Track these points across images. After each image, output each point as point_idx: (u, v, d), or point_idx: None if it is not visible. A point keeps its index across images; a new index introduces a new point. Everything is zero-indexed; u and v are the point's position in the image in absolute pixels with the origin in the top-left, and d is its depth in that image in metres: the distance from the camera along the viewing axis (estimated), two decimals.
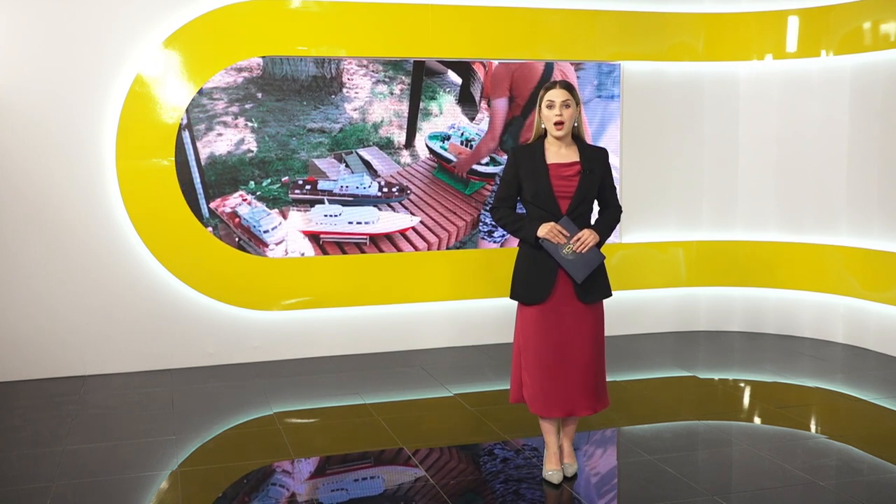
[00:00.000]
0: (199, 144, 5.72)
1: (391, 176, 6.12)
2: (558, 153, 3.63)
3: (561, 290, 3.62)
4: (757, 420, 4.83)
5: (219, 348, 5.91)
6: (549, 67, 6.28)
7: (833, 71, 6.25)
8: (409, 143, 6.12)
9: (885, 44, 5.88)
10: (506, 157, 6.18)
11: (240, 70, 5.74)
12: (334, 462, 4.15)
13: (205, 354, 5.89)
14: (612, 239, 6.48)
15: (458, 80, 6.18)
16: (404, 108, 6.10)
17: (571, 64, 6.36)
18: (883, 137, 5.98)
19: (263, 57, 5.76)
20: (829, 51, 6.23)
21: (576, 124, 3.65)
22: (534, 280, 3.64)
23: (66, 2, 5.42)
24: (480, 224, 6.29)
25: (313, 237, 5.98)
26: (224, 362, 5.92)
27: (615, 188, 3.79)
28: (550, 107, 3.58)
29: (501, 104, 6.22)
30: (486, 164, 6.26)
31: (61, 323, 5.62)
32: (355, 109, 6.00)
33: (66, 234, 5.57)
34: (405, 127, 6.11)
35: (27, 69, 5.40)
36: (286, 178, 5.89)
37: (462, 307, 6.35)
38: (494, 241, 6.32)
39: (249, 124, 5.81)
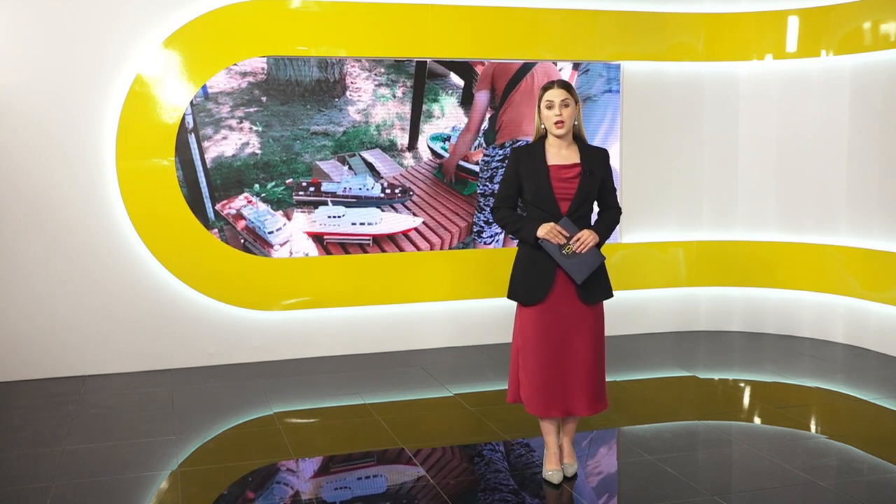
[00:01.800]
0: (204, 147, 5.72)
1: (394, 177, 6.12)
2: (559, 154, 3.63)
3: (560, 291, 3.62)
4: (757, 420, 4.83)
5: (219, 348, 5.91)
6: (526, 64, 6.27)
7: (833, 71, 6.25)
8: (412, 145, 6.13)
9: (885, 44, 5.88)
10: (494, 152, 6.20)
11: (244, 74, 5.74)
12: (334, 462, 4.15)
13: (205, 354, 5.89)
14: (611, 239, 6.47)
15: (460, 82, 6.18)
16: (407, 110, 6.10)
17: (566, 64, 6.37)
18: (883, 137, 5.98)
19: (266, 59, 5.76)
20: (829, 51, 6.23)
21: (576, 123, 3.65)
22: (532, 280, 3.64)
23: (66, 2, 5.42)
24: (474, 225, 6.31)
25: (317, 238, 5.99)
26: (224, 362, 5.93)
27: (615, 189, 3.78)
28: (550, 107, 3.58)
29: (483, 97, 6.23)
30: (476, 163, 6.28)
31: (61, 323, 5.62)
32: (358, 112, 6.01)
33: (66, 234, 5.57)
34: (408, 129, 6.12)
35: (27, 69, 5.40)
36: (290, 180, 5.89)
37: (462, 307, 6.35)
38: (484, 242, 6.33)
39: (254, 128, 5.81)
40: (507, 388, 3.94)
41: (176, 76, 5.62)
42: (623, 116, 6.55)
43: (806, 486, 3.74)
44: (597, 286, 3.65)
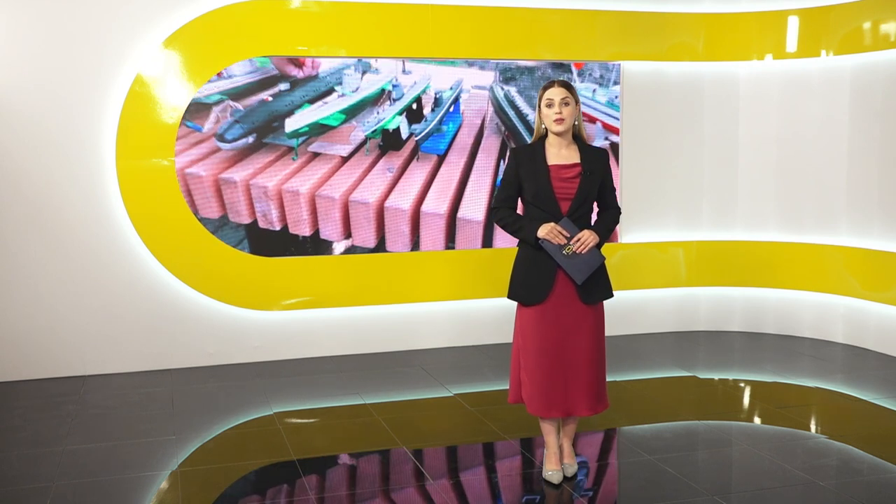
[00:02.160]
0: None
1: None
2: (559, 154, 3.63)
3: (560, 291, 3.62)
4: (757, 420, 4.83)
5: (219, 348, 5.91)
6: None
7: (833, 71, 6.25)
8: None
9: (885, 44, 5.88)
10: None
11: None
12: (334, 462, 4.15)
13: (205, 354, 5.89)
14: (611, 239, 6.48)
15: None
16: None
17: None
18: (883, 137, 5.98)
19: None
20: (829, 51, 6.23)
21: (576, 123, 3.65)
22: (533, 280, 3.64)
23: (66, 2, 5.42)
24: None
25: None
26: (224, 362, 5.93)
27: (615, 189, 3.78)
28: (550, 105, 3.58)
29: None
30: None
31: (61, 323, 5.62)
32: None
33: (66, 234, 5.57)
34: None
35: (27, 69, 5.40)
36: None
37: (462, 307, 6.35)
38: None
39: None
40: (507, 388, 3.94)
41: (176, 76, 5.62)
42: (623, 116, 6.54)
43: (806, 486, 3.74)
44: (597, 286, 3.65)
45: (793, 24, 6.38)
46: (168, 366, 5.83)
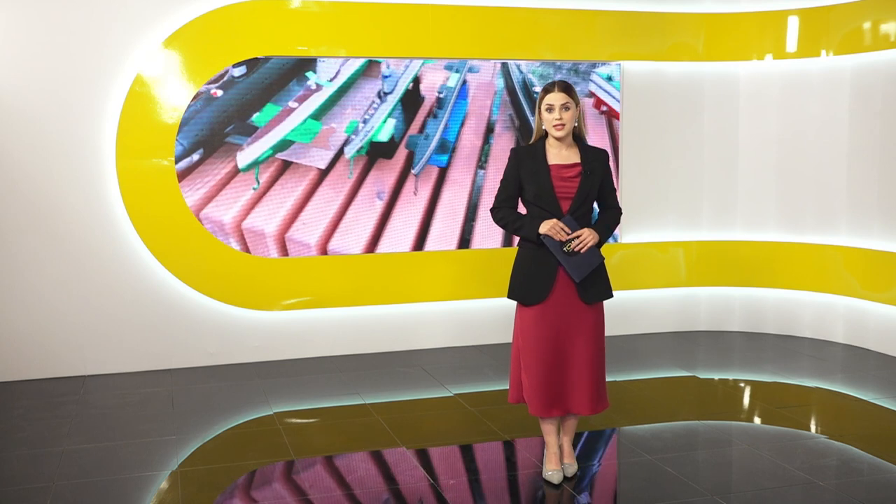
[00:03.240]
0: None
1: None
2: (559, 154, 3.63)
3: (560, 291, 3.62)
4: (757, 420, 4.83)
5: (219, 348, 5.91)
6: None
7: (833, 71, 6.25)
8: None
9: (885, 44, 5.89)
10: None
11: None
12: (334, 462, 4.15)
13: (205, 354, 5.89)
14: (611, 239, 6.48)
15: None
16: None
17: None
18: (883, 137, 5.98)
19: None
20: (829, 51, 6.23)
21: (576, 124, 3.66)
22: (533, 280, 3.64)
23: (66, 2, 5.42)
24: None
25: None
26: (224, 362, 5.93)
27: (615, 189, 3.79)
28: (550, 110, 3.58)
29: None
30: None
31: (61, 323, 5.62)
32: None
33: (67, 234, 5.57)
34: None
35: (27, 69, 5.40)
36: None
37: (462, 307, 6.35)
38: None
39: None
40: (507, 388, 3.94)
41: (176, 76, 5.62)
42: (623, 116, 6.55)
43: (806, 486, 3.74)
44: (597, 286, 3.66)
45: (793, 24, 6.39)
46: (168, 366, 5.83)
